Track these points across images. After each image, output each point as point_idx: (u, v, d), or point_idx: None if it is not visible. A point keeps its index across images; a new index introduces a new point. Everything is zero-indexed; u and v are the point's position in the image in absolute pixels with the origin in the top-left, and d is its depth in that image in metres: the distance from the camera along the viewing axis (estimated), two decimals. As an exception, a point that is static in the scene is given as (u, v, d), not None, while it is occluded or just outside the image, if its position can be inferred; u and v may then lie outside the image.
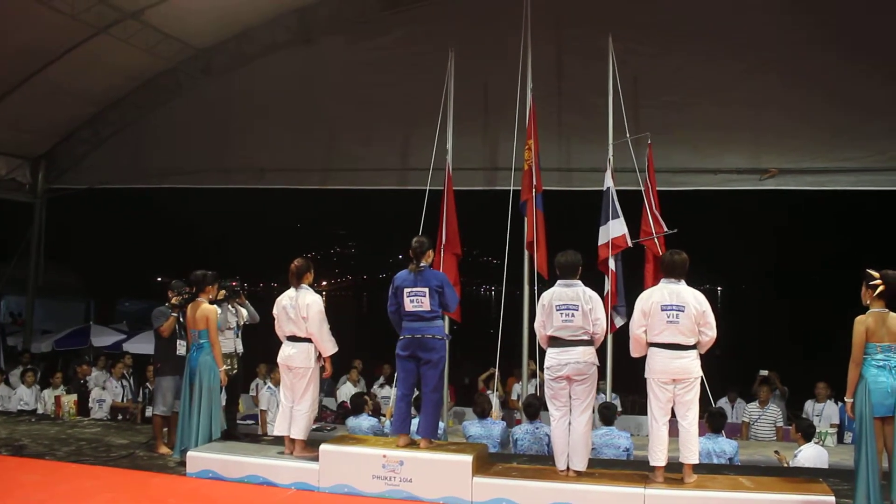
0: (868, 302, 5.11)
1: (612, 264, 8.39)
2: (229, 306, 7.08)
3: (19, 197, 13.37)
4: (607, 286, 8.35)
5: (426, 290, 5.75)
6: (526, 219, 8.63)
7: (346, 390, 10.63)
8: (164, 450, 6.82)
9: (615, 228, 8.43)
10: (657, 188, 8.74)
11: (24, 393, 10.45)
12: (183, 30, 11.28)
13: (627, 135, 8.50)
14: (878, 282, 5.04)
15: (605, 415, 6.94)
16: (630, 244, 8.41)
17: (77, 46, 10.71)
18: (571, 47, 10.42)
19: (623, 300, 8.32)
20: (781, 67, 10.07)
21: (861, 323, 5.05)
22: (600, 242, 8.53)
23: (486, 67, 10.24)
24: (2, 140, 12.24)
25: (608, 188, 8.60)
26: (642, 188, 8.59)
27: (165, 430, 7.00)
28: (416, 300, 5.76)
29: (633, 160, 8.52)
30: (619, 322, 8.21)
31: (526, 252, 8.66)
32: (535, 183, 8.56)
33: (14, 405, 10.28)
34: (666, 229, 8.33)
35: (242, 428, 8.18)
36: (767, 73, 10.09)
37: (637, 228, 8.53)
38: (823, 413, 9.11)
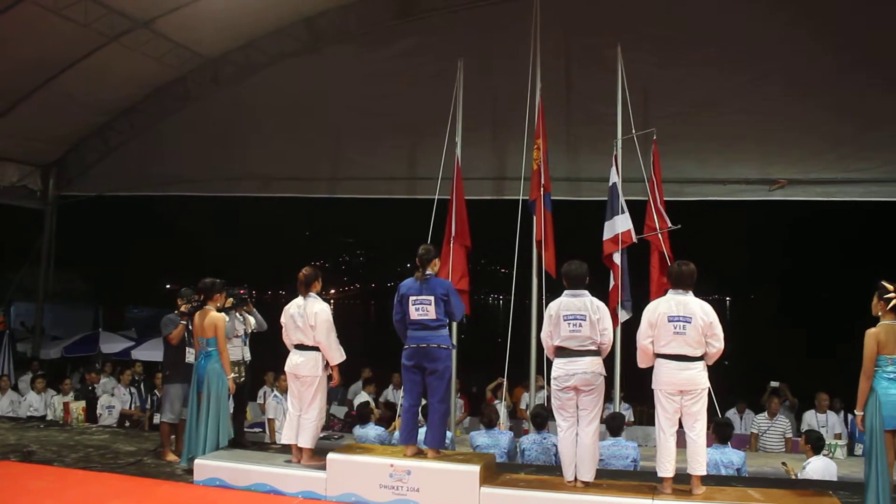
0: (879, 314, 5.08)
1: (617, 259, 8.39)
2: (237, 314, 7.11)
3: (30, 204, 13.49)
4: (612, 281, 8.34)
5: (432, 298, 5.74)
6: (535, 218, 8.64)
7: (361, 399, 10.57)
8: (171, 457, 6.84)
9: (621, 223, 8.44)
10: (665, 197, 8.75)
11: (33, 399, 10.50)
12: (193, 39, 11.38)
13: (636, 144, 8.51)
14: (892, 295, 5.02)
15: (612, 426, 6.90)
16: (636, 240, 8.42)
17: (88, 56, 10.81)
18: (579, 57, 10.46)
19: (629, 295, 8.31)
20: (786, 78, 10.08)
21: (872, 336, 5.03)
22: (606, 237, 8.53)
23: (494, 78, 10.27)
24: (13, 148, 12.36)
25: (614, 184, 8.60)
26: (647, 184, 8.59)
27: (173, 437, 7.01)
28: (422, 308, 5.75)
29: (639, 171, 8.53)
30: (623, 316, 8.23)
31: (535, 262, 8.65)
32: (543, 182, 8.57)
33: (23, 411, 10.33)
34: (670, 224, 8.32)
35: (250, 436, 8.19)
36: (772, 83, 10.11)
37: (642, 225, 8.53)
38: (828, 423, 9.07)
